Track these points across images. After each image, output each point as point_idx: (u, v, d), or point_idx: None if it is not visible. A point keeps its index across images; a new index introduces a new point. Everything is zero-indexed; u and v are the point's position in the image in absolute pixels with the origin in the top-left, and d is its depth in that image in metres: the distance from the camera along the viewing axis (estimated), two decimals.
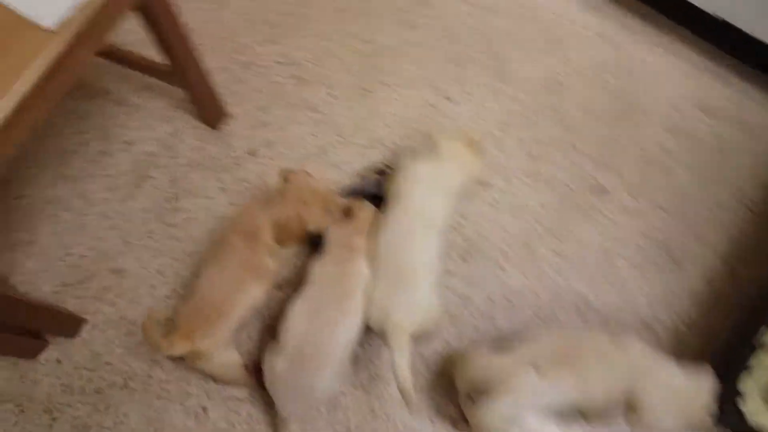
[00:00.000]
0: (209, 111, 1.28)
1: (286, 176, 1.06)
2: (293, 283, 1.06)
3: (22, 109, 0.67)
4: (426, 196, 1.08)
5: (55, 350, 1.14)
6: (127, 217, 1.25)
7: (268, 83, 1.40)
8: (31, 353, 1.12)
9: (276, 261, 1.03)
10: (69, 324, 1.14)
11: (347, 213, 1.08)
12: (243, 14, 1.48)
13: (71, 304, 1.17)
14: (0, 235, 1.23)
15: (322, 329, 0.97)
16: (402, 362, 0.94)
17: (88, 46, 0.77)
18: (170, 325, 0.96)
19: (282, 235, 1.02)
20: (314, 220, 1.03)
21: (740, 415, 1.02)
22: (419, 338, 1.08)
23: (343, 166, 1.32)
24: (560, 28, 1.54)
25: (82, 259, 1.21)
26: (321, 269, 1.03)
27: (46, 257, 1.21)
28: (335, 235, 1.05)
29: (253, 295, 1.01)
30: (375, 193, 1.16)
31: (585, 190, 1.34)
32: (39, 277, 1.19)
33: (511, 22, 1.54)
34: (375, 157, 1.33)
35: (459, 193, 1.15)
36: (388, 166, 1.21)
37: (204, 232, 1.25)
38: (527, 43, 1.51)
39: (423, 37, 1.50)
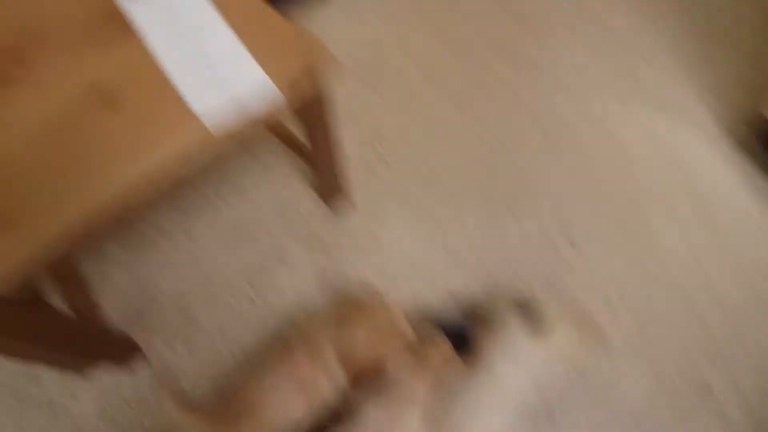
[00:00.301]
0: (333, 194, 1.27)
1: (369, 300, 0.99)
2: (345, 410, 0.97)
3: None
4: (513, 373, 0.96)
5: (106, 374, 1.13)
6: (219, 268, 1.25)
7: (397, 182, 1.38)
8: (83, 371, 1.12)
9: (331, 384, 0.94)
10: (130, 356, 1.14)
11: (417, 352, 0.97)
12: (399, 110, 1.48)
13: (138, 336, 1.17)
14: (100, 244, 1.26)
15: None
16: None
17: (235, 142, 0.78)
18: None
19: (347, 361, 0.94)
20: (385, 356, 0.94)
21: None
22: None
23: (439, 285, 1.25)
24: (716, 204, 1.38)
25: (164, 294, 1.22)
26: (368, 412, 0.91)
27: (133, 281, 1.23)
28: (395, 375, 0.94)
29: (293, 411, 0.92)
30: (460, 330, 1.06)
31: (690, 388, 1.16)
32: (120, 299, 1.21)
33: (660, 180, 1.41)
34: (475, 287, 1.25)
35: (550, 377, 1.03)
36: (485, 307, 1.12)
37: (285, 309, 1.21)
38: (675, 208, 1.37)
39: (560, 168, 1.41)
